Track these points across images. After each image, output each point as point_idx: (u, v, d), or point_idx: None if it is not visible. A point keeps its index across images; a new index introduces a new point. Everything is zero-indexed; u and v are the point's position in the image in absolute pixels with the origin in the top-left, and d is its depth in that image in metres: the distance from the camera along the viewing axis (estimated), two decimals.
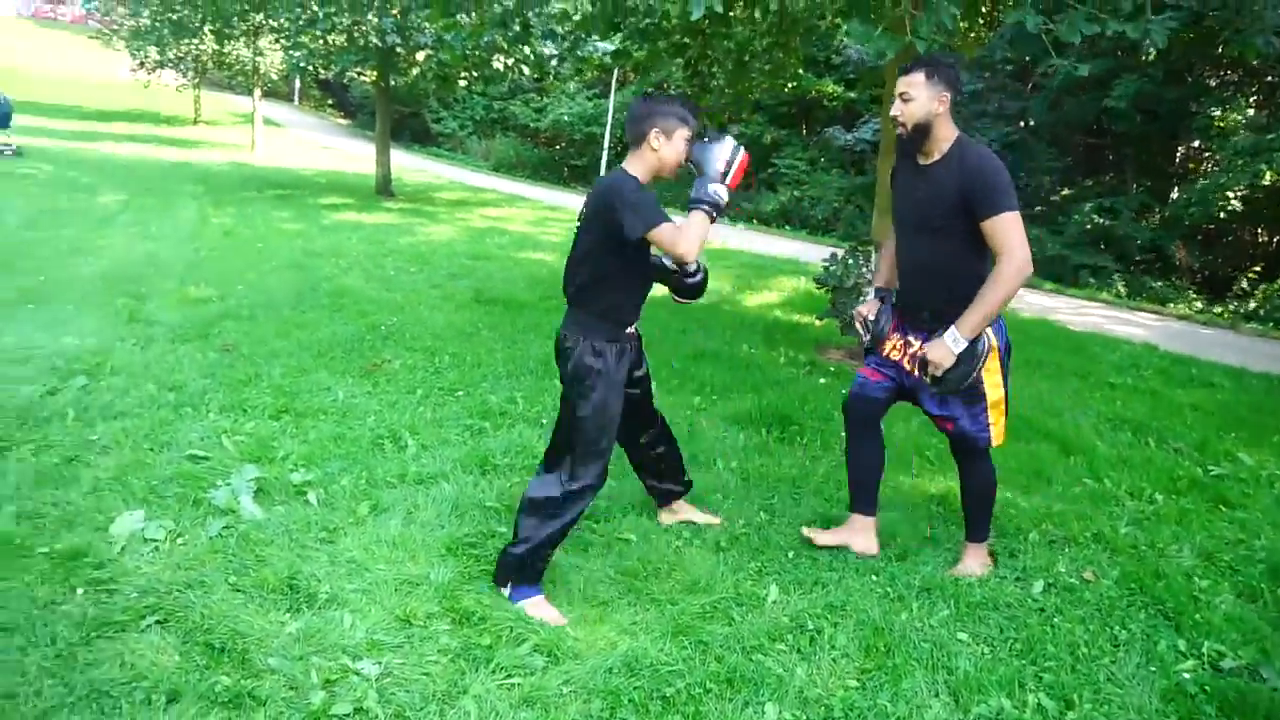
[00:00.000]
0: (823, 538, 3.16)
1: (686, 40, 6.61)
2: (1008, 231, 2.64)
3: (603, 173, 22.40)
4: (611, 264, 2.67)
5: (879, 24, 4.52)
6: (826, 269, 6.13)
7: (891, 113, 2.84)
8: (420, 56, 13.50)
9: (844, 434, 3.25)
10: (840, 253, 6.30)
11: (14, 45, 36.71)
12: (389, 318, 6.05)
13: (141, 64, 21.60)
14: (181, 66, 21.65)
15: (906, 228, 2.95)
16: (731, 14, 5.77)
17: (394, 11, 11.38)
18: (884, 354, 3.04)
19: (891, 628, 2.67)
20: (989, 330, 2.76)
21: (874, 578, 3.00)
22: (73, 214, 9.90)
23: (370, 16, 11.63)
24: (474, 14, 6.50)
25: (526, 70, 11.88)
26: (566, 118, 25.06)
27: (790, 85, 7.79)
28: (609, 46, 7.34)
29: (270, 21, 15.09)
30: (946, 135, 2.78)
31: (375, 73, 13.73)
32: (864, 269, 5.96)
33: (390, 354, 5.20)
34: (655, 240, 2.55)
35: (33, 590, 2.55)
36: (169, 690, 2.18)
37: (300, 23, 12.27)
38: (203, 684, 2.21)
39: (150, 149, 19.24)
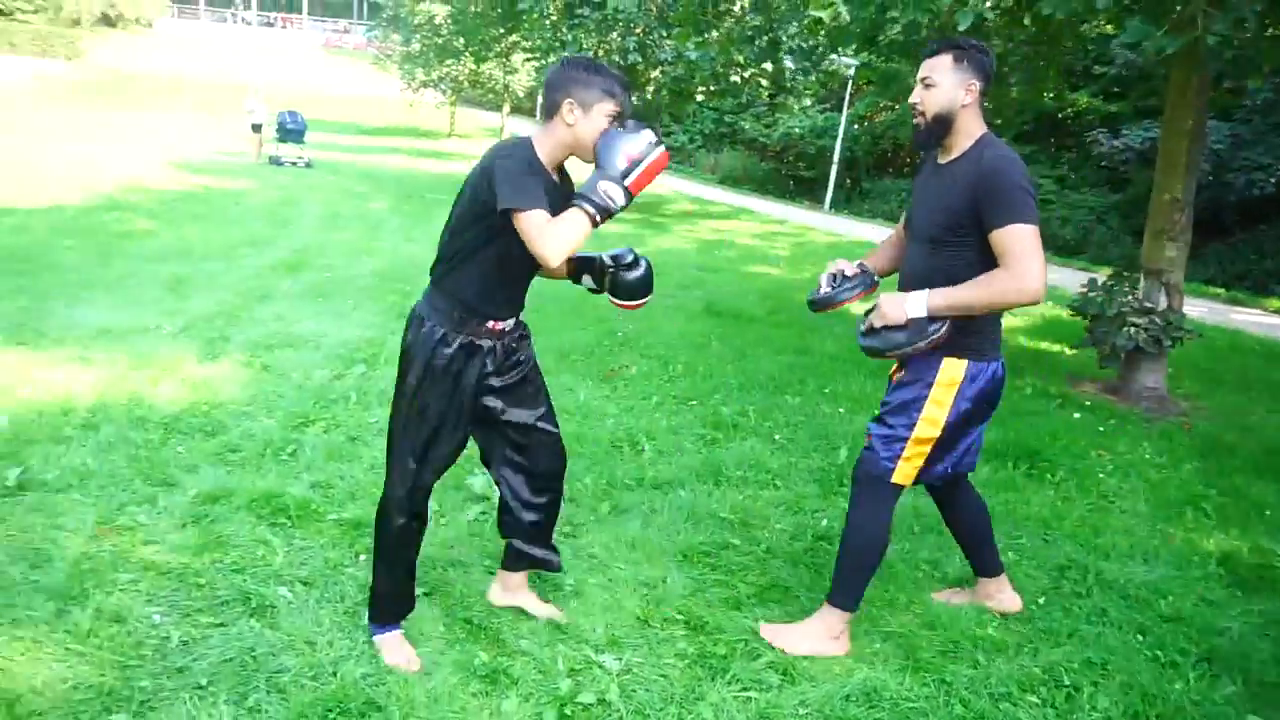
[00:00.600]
0: (958, 598, 2.90)
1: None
2: (1019, 244, 2.21)
3: (830, 191, 22.08)
4: (476, 240, 2.19)
5: (1163, 23, 4.12)
6: (1086, 295, 5.67)
7: (911, 100, 2.44)
8: (655, 73, 13.96)
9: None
10: (1101, 278, 5.80)
11: (309, 70, 41.94)
12: (624, 325, 6.29)
13: (409, 84, 23.96)
14: (442, 86, 23.74)
15: (911, 233, 2.57)
16: (988, 23, 5.49)
17: (637, 30, 11.83)
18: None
19: (1166, 697, 2.41)
20: (964, 362, 2.39)
21: (1140, 638, 2.74)
22: (352, 218, 11.12)
23: (614, 36, 12.16)
24: (721, 31, 6.62)
25: (764, 83, 11.93)
26: (797, 130, 24.90)
27: (1048, 96, 7.28)
28: (853, 60, 7.23)
29: (524, 43, 16.17)
30: (970, 131, 2.37)
31: None
32: (1129, 296, 5.46)
33: (627, 360, 5.41)
34: (518, 226, 2.05)
35: (325, 552, 2.88)
36: (432, 659, 2.39)
37: (551, 43, 13.06)
38: (463, 657, 2.40)
39: (412, 161, 21.21)
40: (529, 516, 2.52)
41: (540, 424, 2.45)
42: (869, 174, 23.85)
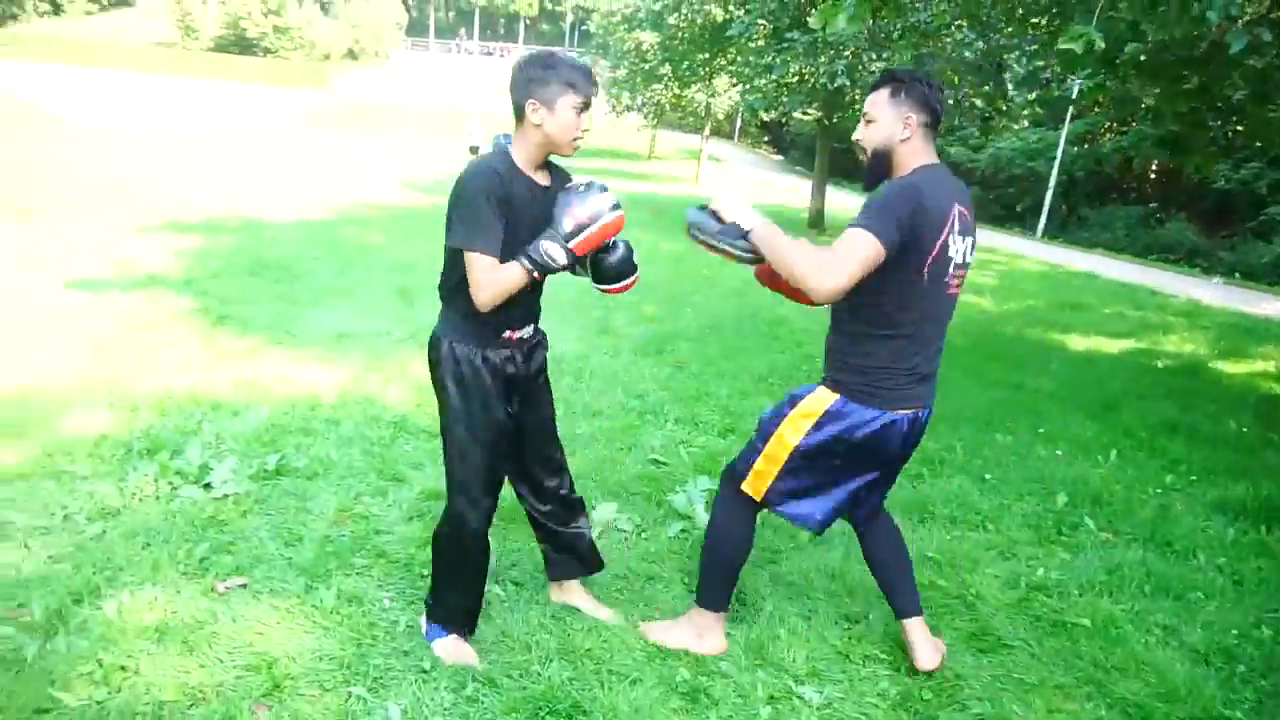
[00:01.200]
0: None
1: (1185, 72, 5.84)
2: (845, 242, 2.07)
3: (1044, 217, 20.71)
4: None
5: None
6: None
7: (854, 137, 2.36)
8: (859, 93, 13.69)
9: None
10: None
11: None
12: (823, 351, 6.18)
13: (614, 108, 24.83)
14: (645, 109, 24.41)
15: None
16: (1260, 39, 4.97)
17: (847, 53, 11.67)
18: None
19: None
20: (835, 396, 2.28)
21: None
22: None
23: (822, 59, 12.05)
24: (941, 55, 6.40)
25: (979, 104, 11.41)
26: (1008, 152, 23.57)
27: None
28: (1081, 80, 6.76)
29: (729, 68, 16.37)
30: (914, 165, 2.23)
31: (819, 112, 14.20)
32: None
33: None
34: (466, 262, 2.12)
35: (535, 555, 3.02)
36: (634, 670, 2.44)
37: (759, 68, 13.13)
38: (665, 671, 2.44)
39: (613, 181, 21.90)
40: (549, 524, 2.62)
41: (547, 429, 2.56)
42: (1089, 200, 22.14)
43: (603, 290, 2.45)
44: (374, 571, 2.83)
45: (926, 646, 2.52)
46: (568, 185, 2.25)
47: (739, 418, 4.59)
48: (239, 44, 49.86)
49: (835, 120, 14.94)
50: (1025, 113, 15.10)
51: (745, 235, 2.24)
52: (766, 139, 41.33)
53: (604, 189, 2.23)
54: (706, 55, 16.91)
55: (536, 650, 2.49)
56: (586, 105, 2.19)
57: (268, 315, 5.95)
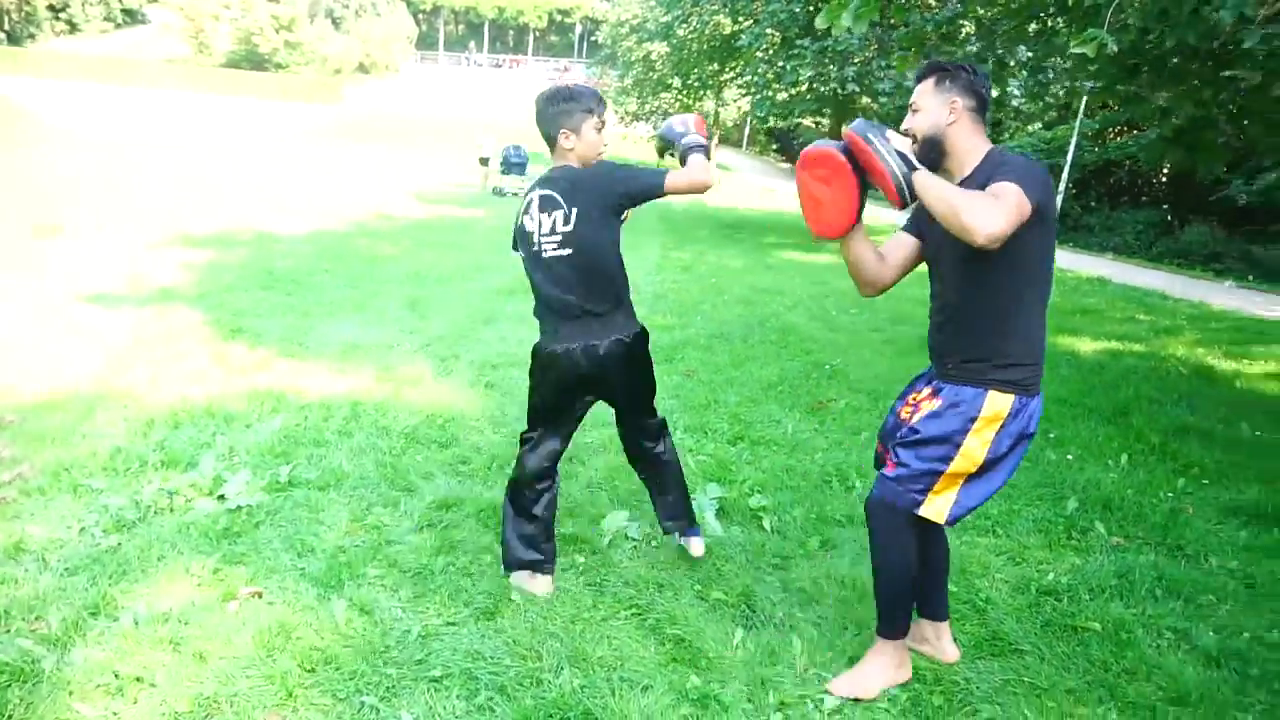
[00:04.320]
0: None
1: (1194, 69, 5.82)
2: (1004, 192, 2.06)
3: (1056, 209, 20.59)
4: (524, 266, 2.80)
5: None
6: None
7: (903, 127, 2.37)
8: (871, 103, 13.70)
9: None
10: None
11: (531, 107, 44.67)
12: (832, 358, 6.19)
13: (621, 118, 24.96)
14: (653, 119, 24.52)
15: (934, 266, 2.44)
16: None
17: (855, 60, 11.70)
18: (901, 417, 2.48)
19: None
20: (1010, 397, 2.24)
21: None
22: None
23: (832, 67, 12.08)
24: (946, 57, 6.41)
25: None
26: (1017, 150, 23.49)
27: None
28: (1091, 84, 6.77)
29: (739, 78, 16.44)
30: (969, 148, 2.28)
31: (830, 120, 14.22)
32: None
33: (834, 393, 5.32)
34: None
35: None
36: (645, 677, 2.45)
37: (768, 77, 13.18)
38: (676, 678, 2.45)
39: None
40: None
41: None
42: (1100, 203, 22.01)
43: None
44: (386, 581, 2.86)
45: (952, 645, 2.65)
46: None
47: (748, 425, 4.60)
48: (251, 60, 50.41)
49: (845, 127, 14.94)
50: (1034, 111, 15.05)
51: (913, 168, 2.21)
52: (775, 147, 41.37)
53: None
54: (716, 66, 16.99)
55: (548, 658, 2.51)
56: (604, 124, 2.66)
57: (280, 328, 6.00)
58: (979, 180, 2.22)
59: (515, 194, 18.21)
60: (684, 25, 16.08)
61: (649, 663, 2.52)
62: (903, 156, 2.21)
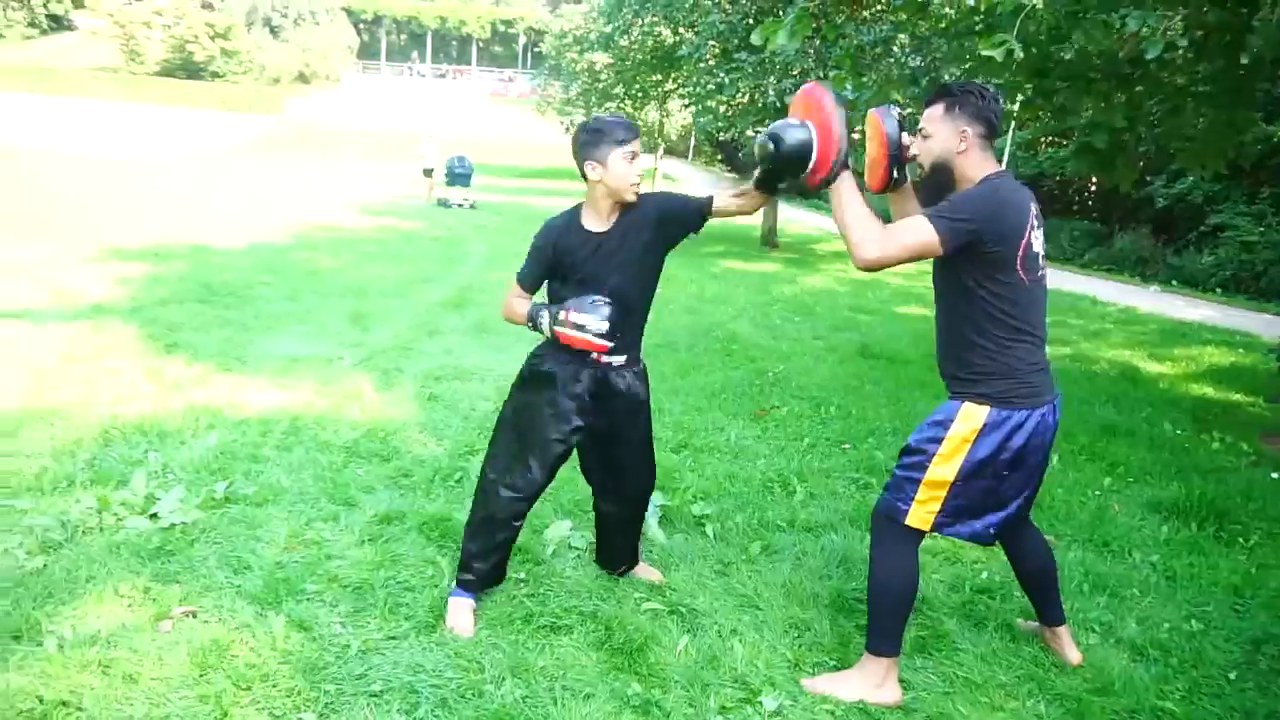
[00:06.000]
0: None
1: (1109, 83, 6.05)
2: (908, 224, 2.22)
3: None
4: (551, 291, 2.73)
5: None
6: None
7: (911, 153, 2.44)
8: None
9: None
10: None
11: (476, 118, 44.58)
12: (776, 365, 6.28)
13: (567, 129, 25.00)
14: None
15: (936, 286, 2.51)
16: (1178, 54, 5.19)
17: (794, 73, 11.89)
18: None
19: None
20: (984, 409, 2.33)
21: None
22: (513, 257, 11.59)
23: (771, 79, 12.26)
24: (879, 73, 6.57)
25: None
26: None
27: (1244, 139, 6.70)
28: (1019, 97, 6.98)
29: (682, 89, 16.57)
30: (975, 176, 2.33)
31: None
32: None
33: (778, 400, 5.39)
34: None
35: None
36: (587, 686, 2.46)
37: (709, 88, 13.31)
38: (617, 685, 2.46)
39: (569, 201, 21.70)
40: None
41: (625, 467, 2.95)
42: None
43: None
44: (326, 596, 2.82)
45: (1073, 648, 2.72)
46: (593, 298, 2.52)
47: (692, 433, 4.64)
48: (186, 68, 49.25)
49: None
50: None
51: (838, 169, 2.29)
52: (720, 158, 41.77)
53: (608, 306, 2.50)
54: (659, 77, 17.11)
55: (490, 669, 2.50)
56: (635, 154, 2.53)
57: (217, 342, 5.88)
58: None
59: (460, 205, 18.09)
60: (625, 36, 16.18)
61: (591, 671, 2.53)
62: (845, 149, 2.28)
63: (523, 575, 3.04)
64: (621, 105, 20.83)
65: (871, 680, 2.48)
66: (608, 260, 2.60)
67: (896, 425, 5.03)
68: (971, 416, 2.34)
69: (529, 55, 65.94)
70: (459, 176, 18.32)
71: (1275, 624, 3.02)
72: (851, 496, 3.93)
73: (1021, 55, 3.39)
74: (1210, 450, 4.98)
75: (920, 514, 2.39)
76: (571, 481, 3.87)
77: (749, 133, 16.14)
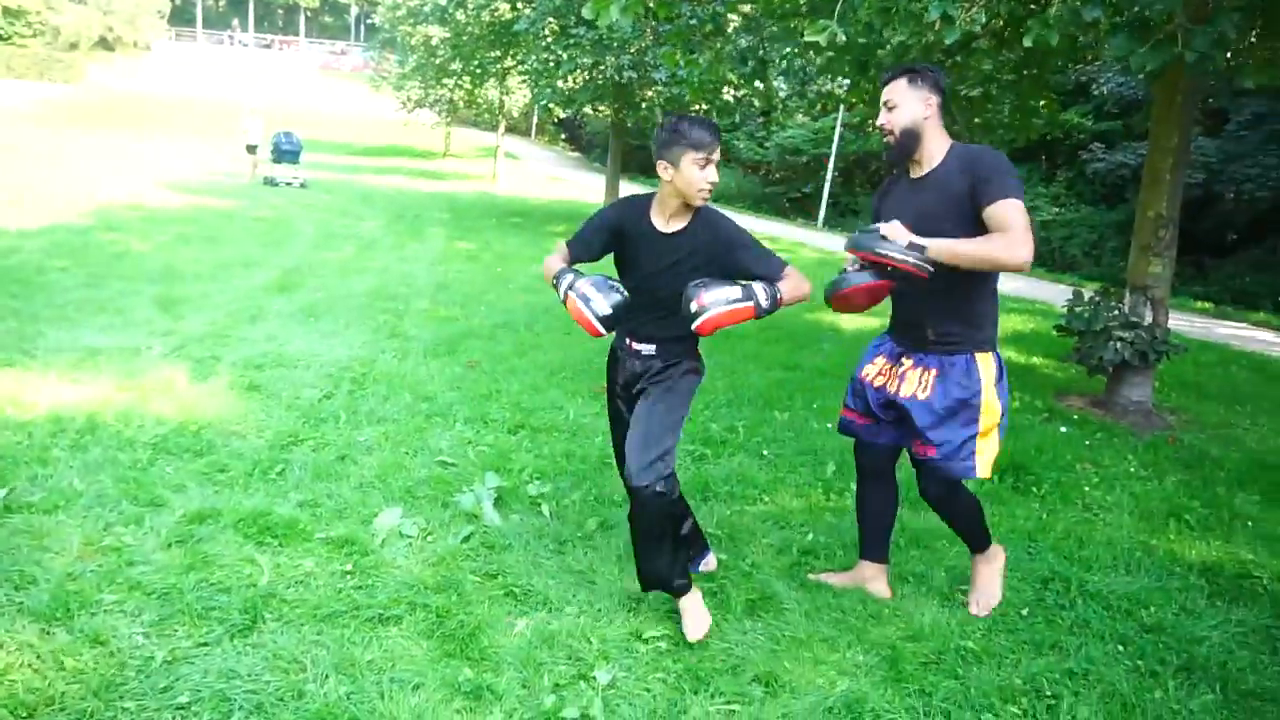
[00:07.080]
0: (836, 579, 3.07)
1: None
2: (1016, 216, 2.40)
3: (824, 208, 22.17)
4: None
5: (1147, 40, 4.17)
6: (1072, 310, 5.71)
7: (878, 123, 2.69)
8: (649, 92, 14.06)
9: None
10: (1088, 293, 5.85)
11: (306, 92, 42.21)
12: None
13: (404, 104, 24.09)
14: (437, 106, 23.84)
15: None
16: (976, 44, 5.56)
17: (631, 50, 11.94)
18: (867, 379, 2.89)
19: (1145, 706, 2.43)
20: (990, 354, 2.66)
21: (1121, 648, 2.75)
22: (345, 238, 11.16)
23: (609, 56, 12.26)
24: (711, 51, 6.68)
25: (756, 103, 12.04)
26: (793, 139, 24.60)
27: (1039, 123, 7.31)
28: (845, 82, 7.30)
29: (520, 65, 16.29)
30: (938, 140, 2.62)
31: (611, 109, 14.44)
32: (1115, 311, 5.50)
33: None
34: None
35: (312, 570, 2.89)
36: (416, 676, 2.39)
37: (548, 65, 13.16)
38: (448, 673, 2.41)
39: (406, 180, 21.31)
40: None
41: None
42: (864, 188, 23.85)
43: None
44: (126, 606, 2.59)
45: (886, 585, 3.02)
46: (613, 282, 2.53)
47: (530, 413, 4.60)
48: None
49: (627, 118, 15.27)
50: (800, 110, 16.06)
51: (923, 249, 2.44)
52: (564, 136, 41.52)
53: (621, 296, 2.51)
54: (498, 53, 16.74)
55: (313, 668, 2.38)
56: (709, 160, 2.51)
57: (0, 334, 5.29)
58: (952, 167, 2.54)
59: (289, 184, 17.12)
60: (461, 9, 15.70)
61: (421, 660, 2.46)
62: (911, 246, 2.45)
63: (349, 567, 2.92)
64: (460, 82, 20.27)
65: (997, 566, 2.97)
66: (662, 260, 2.63)
67: (731, 397, 5.18)
68: (988, 362, 2.64)
69: (361, 27, 63.04)
70: (286, 153, 17.30)
71: (1061, 563, 3.32)
72: (687, 468, 4.01)
73: (844, 40, 3.52)
74: (1011, 410, 5.39)
75: (985, 462, 2.66)
76: (400, 467, 3.76)
77: (588, 110, 16.13)
